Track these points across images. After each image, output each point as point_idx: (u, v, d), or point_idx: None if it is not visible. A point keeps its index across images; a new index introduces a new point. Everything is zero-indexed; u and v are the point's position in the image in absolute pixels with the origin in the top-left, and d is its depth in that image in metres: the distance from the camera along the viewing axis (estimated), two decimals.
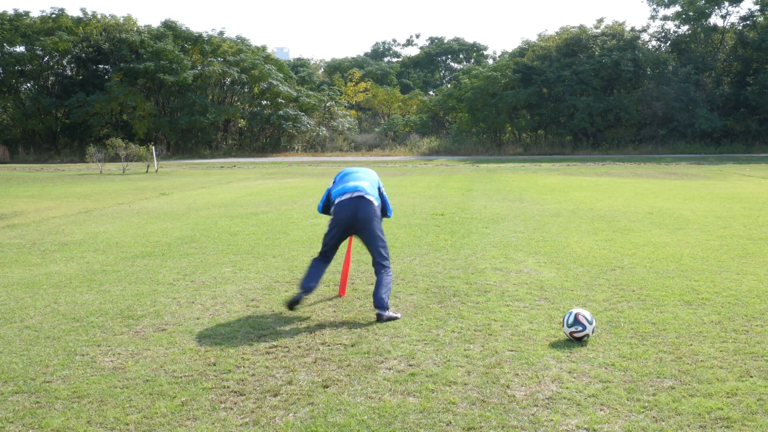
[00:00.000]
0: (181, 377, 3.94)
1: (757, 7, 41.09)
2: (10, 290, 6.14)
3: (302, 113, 42.67)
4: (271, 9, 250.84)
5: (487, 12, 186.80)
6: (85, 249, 8.30)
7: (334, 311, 5.32)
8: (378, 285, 5.14)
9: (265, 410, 3.50)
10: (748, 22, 41.76)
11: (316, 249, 6.97)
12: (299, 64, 57.95)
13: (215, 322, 5.02)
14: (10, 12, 40.51)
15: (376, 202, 5.36)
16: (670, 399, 3.57)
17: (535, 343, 4.47)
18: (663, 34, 44.17)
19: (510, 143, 41.41)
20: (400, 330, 4.79)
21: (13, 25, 39.70)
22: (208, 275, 6.67)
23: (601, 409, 3.47)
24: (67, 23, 41.10)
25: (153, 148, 29.06)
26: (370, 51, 74.77)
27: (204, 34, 42.79)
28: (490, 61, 58.29)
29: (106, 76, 40.93)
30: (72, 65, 42.95)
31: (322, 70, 64.13)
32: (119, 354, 4.36)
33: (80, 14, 42.76)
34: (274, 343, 4.53)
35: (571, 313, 4.51)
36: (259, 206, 12.89)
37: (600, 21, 42.84)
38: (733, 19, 53.57)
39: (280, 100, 42.21)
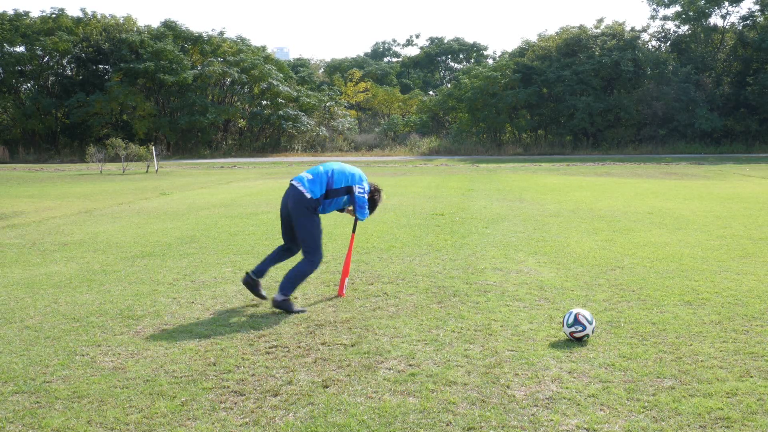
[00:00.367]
0: (181, 377, 3.94)
1: (757, 7, 41.13)
2: (10, 290, 6.14)
3: (302, 113, 42.68)
4: (271, 9, 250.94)
5: (487, 12, 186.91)
6: (85, 249, 8.29)
7: (334, 311, 5.31)
8: (291, 269, 5.32)
9: (265, 410, 3.50)
10: (748, 22, 41.79)
11: None
12: (299, 64, 57.98)
13: (215, 323, 5.02)
14: (10, 12, 40.58)
15: (308, 194, 5.27)
16: (670, 399, 3.57)
17: (535, 343, 4.47)
18: (663, 34, 44.21)
19: (510, 143, 41.43)
20: (400, 330, 4.78)
21: (13, 25, 39.73)
22: (208, 275, 6.67)
23: (601, 409, 3.47)
24: (67, 23, 41.14)
25: (153, 148, 29.07)
26: (370, 51, 74.86)
27: (204, 34, 42.82)
28: (490, 61, 58.36)
29: (106, 76, 40.97)
30: (72, 65, 42.97)
31: (322, 70, 64.18)
32: (119, 354, 4.35)
33: (80, 14, 42.86)
34: (274, 343, 4.52)
35: (571, 313, 4.51)
36: (259, 206, 12.89)
37: (600, 21, 42.91)
38: (733, 19, 53.74)
39: (280, 100, 42.22)
